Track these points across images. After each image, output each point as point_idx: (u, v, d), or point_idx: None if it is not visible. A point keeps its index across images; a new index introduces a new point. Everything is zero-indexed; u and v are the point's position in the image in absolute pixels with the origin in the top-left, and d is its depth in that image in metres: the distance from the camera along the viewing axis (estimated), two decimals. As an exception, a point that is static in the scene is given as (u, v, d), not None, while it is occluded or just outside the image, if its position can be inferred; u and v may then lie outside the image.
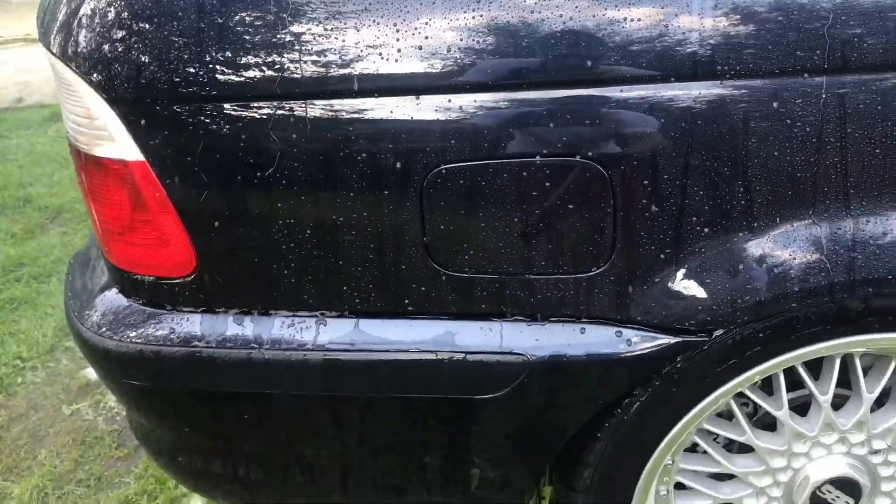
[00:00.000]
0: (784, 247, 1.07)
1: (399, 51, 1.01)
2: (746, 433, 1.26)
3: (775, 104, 1.01)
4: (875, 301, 1.10)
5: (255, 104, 1.04)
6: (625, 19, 0.99)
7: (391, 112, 1.03)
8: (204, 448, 1.33)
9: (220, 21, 1.01)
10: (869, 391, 1.23)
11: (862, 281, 1.07)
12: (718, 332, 1.10)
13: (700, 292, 1.08)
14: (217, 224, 1.12)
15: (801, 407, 1.29)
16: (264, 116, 1.04)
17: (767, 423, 1.30)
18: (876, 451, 1.28)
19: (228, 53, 1.02)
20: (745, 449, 1.31)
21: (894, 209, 1.05)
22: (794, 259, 1.07)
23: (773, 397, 1.26)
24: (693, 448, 1.33)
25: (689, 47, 1.00)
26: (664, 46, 0.98)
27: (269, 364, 1.17)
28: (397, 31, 1.01)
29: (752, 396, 1.24)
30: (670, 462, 1.30)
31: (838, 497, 1.29)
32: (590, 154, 1.03)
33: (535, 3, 0.99)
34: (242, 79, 1.02)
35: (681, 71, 1.00)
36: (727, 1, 0.98)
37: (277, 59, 1.02)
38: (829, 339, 1.14)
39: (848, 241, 1.06)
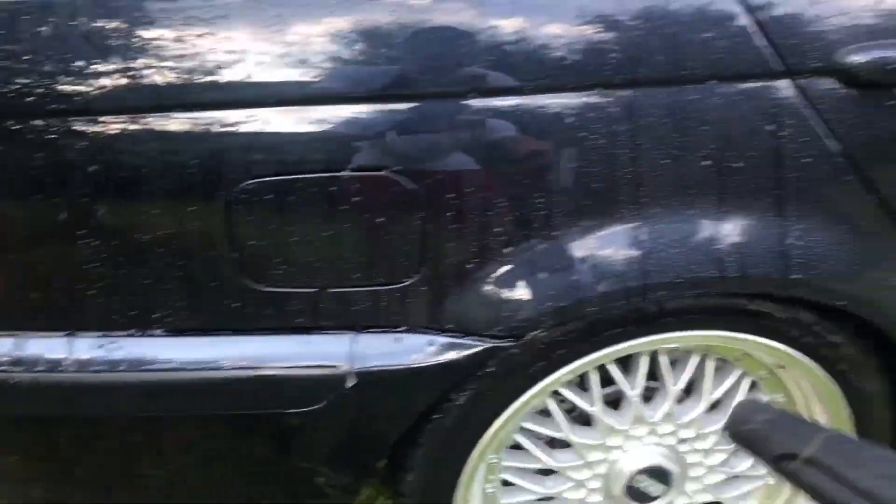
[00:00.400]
0: (584, 254, 1.12)
1: (200, 64, 1.00)
2: (564, 429, 1.31)
3: (570, 118, 1.05)
4: (669, 303, 1.16)
5: (57, 118, 1.01)
6: (418, 34, 1.01)
7: (196, 126, 1.02)
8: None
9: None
10: (676, 384, 1.30)
11: (655, 285, 1.12)
12: (526, 337, 1.14)
13: (507, 299, 1.12)
14: (13, 244, 1.08)
15: (619, 401, 1.36)
16: (70, 129, 1.01)
17: (587, 419, 1.36)
18: (683, 440, 1.36)
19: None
20: (567, 444, 1.36)
21: (682, 216, 1.11)
22: (594, 266, 1.12)
23: (590, 393, 1.31)
24: (520, 445, 1.37)
25: (488, 66, 1.03)
26: (460, 63, 1.01)
27: (80, 386, 1.13)
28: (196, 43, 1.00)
29: (567, 394, 1.29)
30: (496, 460, 1.34)
31: (651, 485, 1.36)
32: (397, 167, 1.05)
33: (341, 22, 1.00)
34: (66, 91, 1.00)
35: (482, 86, 1.03)
36: (522, 21, 1.02)
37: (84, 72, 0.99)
38: (631, 338, 1.20)
39: (642, 247, 1.11)
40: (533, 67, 1.03)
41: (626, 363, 1.30)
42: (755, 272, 1.14)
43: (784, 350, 1.24)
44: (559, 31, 1.03)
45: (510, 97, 1.05)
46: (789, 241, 1.13)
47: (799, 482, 0.83)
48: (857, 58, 1.06)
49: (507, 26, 1.03)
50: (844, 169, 1.11)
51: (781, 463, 0.84)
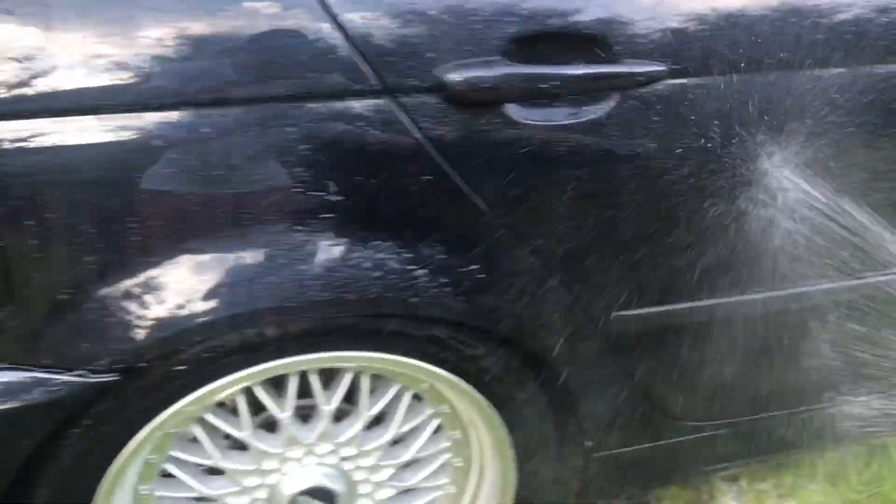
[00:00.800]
0: (189, 282, 1.06)
1: None
2: (214, 457, 1.25)
3: (156, 139, 0.99)
4: (290, 327, 1.13)
5: None
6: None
7: None
8: None
9: None
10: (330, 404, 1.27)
11: (265, 310, 1.09)
12: (132, 369, 1.08)
13: (106, 331, 1.06)
14: None
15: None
16: None
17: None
18: (346, 458, 1.33)
19: None
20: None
21: (294, 240, 1.08)
22: (199, 294, 1.06)
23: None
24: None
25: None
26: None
27: None
28: None
29: (213, 420, 1.23)
30: (147, 491, 1.27)
31: (315, 506, 1.33)
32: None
33: None
34: None
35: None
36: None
37: None
38: (259, 363, 1.15)
39: (250, 272, 1.07)
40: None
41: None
42: (372, 293, 1.12)
43: (424, 367, 1.22)
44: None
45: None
46: (405, 259, 1.12)
47: None
48: (455, 76, 1.04)
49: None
50: (454, 187, 1.10)
51: None
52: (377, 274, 1.11)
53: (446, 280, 1.14)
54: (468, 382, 1.26)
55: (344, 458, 1.34)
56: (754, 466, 1.83)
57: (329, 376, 1.27)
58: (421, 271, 1.13)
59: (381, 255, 1.11)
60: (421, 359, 1.22)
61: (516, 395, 1.30)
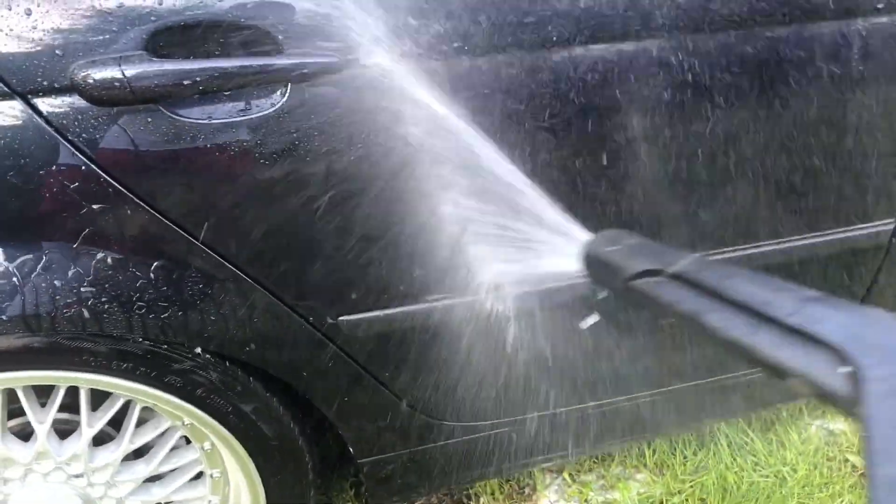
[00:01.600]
0: None
1: None
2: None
3: None
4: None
5: None
6: None
7: None
8: None
9: None
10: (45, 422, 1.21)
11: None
12: None
13: None
14: None
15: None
16: None
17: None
18: (79, 476, 1.27)
19: None
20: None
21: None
22: None
23: None
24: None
25: None
26: None
27: None
28: None
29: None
30: None
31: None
32: None
33: None
34: None
35: None
36: None
37: None
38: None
39: None
40: None
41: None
42: (28, 312, 1.04)
43: (120, 383, 1.16)
44: None
45: None
46: (67, 274, 1.04)
47: (649, 297, 0.83)
48: (86, 74, 0.96)
49: None
50: (117, 193, 1.02)
51: (637, 280, 0.84)
52: (40, 288, 1.04)
53: (116, 293, 1.07)
54: (178, 396, 1.19)
55: (74, 476, 1.28)
56: (578, 458, 1.76)
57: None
58: (87, 287, 1.05)
59: (36, 271, 1.04)
60: (116, 375, 1.15)
61: (242, 407, 1.23)
